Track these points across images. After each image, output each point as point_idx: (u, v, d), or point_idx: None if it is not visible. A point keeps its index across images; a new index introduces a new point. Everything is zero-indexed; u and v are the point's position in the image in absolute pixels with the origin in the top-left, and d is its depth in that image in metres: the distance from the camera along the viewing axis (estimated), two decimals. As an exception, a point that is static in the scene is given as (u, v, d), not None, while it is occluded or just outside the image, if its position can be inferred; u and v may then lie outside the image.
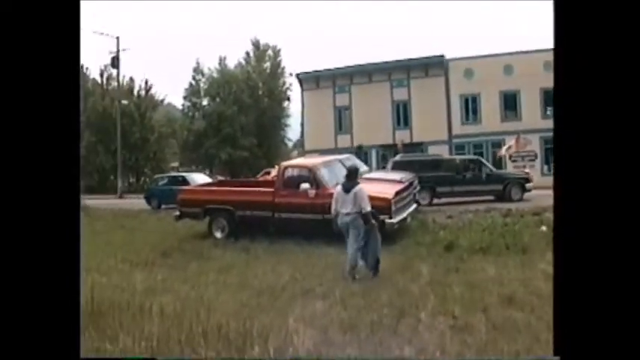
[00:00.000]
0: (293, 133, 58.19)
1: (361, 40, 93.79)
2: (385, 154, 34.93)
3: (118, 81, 45.67)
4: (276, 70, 56.21)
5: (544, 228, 11.66)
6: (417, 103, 37.52)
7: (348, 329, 5.64)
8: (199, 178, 24.98)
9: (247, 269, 9.53)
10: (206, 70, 53.69)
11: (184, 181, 23.10)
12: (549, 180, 3.30)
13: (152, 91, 53.03)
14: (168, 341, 4.90)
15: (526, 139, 26.16)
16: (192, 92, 53.35)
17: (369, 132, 36.48)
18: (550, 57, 3.18)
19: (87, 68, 49.64)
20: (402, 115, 38.27)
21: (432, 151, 32.94)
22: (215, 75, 53.22)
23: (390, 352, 4.89)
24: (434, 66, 37.42)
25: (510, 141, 26.95)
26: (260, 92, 55.00)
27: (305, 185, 12.30)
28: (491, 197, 20.12)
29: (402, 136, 36.71)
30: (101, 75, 51.15)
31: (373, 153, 36.26)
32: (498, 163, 29.14)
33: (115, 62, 42.20)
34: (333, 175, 12.43)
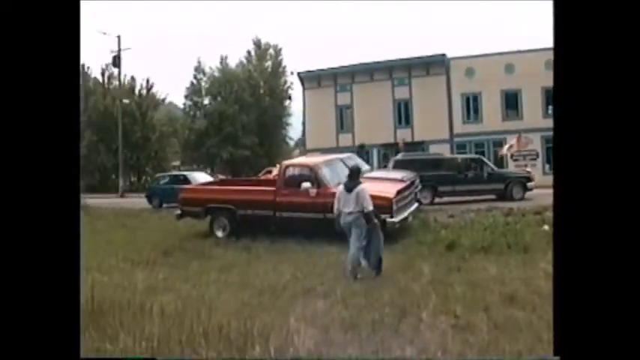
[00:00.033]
0: (294, 132, 58.34)
1: (362, 39, 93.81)
2: (386, 153, 34.88)
3: (120, 80, 45.69)
4: (278, 69, 56.23)
5: (546, 227, 11.63)
6: (418, 102, 37.48)
7: (349, 328, 5.64)
8: (200, 177, 24.95)
9: (248, 268, 9.53)
10: (207, 69, 53.78)
11: (185, 180, 23.07)
12: (551, 179, 3.29)
13: (153, 90, 53.05)
14: (168, 341, 4.89)
15: (527, 138, 26.16)
16: (194, 91, 53.35)
17: (371, 131, 36.44)
18: (551, 56, 3.16)
19: (88, 67, 49.76)
20: (403, 113, 38.24)
21: (434, 150, 32.88)
22: (216, 74, 53.21)
23: (391, 352, 4.88)
24: (435, 65, 37.38)
25: (512, 140, 26.95)
26: (261, 91, 55.04)
27: (306, 184, 12.29)
28: (492, 196, 20.11)
29: (404, 135, 36.69)
30: (102, 74, 51.25)
31: (374, 152, 36.20)
32: (500, 162, 29.13)
33: (117, 61, 42.24)
34: (334, 174, 12.42)
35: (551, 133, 3.23)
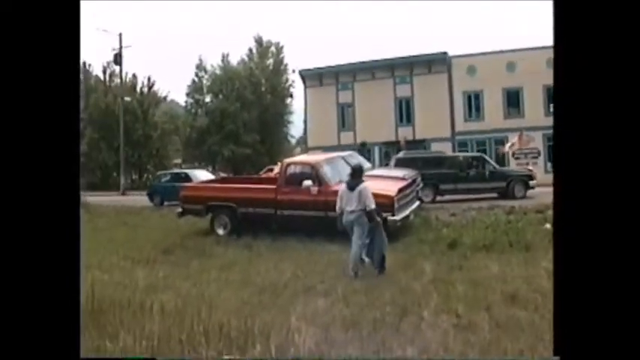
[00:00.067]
0: (296, 130, 58.26)
1: (364, 37, 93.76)
2: (388, 151, 34.89)
3: (121, 78, 45.66)
4: (279, 67, 56.18)
5: (547, 225, 11.60)
6: (419, 100, 37.45)
7: (350, 327, 5.62)
8: (202, 175, 24.96)
9: (249, 266, 9.52)
10: (209, 67, 53.81)
11: (187, 178, 23.09)
12: (552, 177, 3.28)
13: (155, 87, 53.15)
14: (169, 340, 4.87)
15: (529, 137, 26.14)
16: (195, 89, 53.35)
17: (372, 129, 36.38)
18: (553, 54, 3.15)
19: (89, 65, 49.95)
20: (404, 112, 38.21)
21: (435, 148, 32.77)
22: (218, 72, 53.23)
23: (392, 351, 4.85)
24: (437, 63, 37.32)
25: (513, 138, 26.92)
26: (263, 89, 55.01)
27: (307, 182, 12.28)
28: (494, 194, 20.08)
29: (405, 133, 36.65)
30: (104, 72, 51.36)
31: (376, 150, 36.16)
32: (501, 160, 29.07)
33: (118, 59, 42.23)
34: (335, 172, 12.42)
35: (552, 131, 3.21)
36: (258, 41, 56.08)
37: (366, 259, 8.69)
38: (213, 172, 34.67)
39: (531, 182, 20.46)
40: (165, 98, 54.48)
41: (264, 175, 25.85)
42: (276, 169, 21.97)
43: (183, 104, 55.40)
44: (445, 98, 36.93)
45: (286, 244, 11.25)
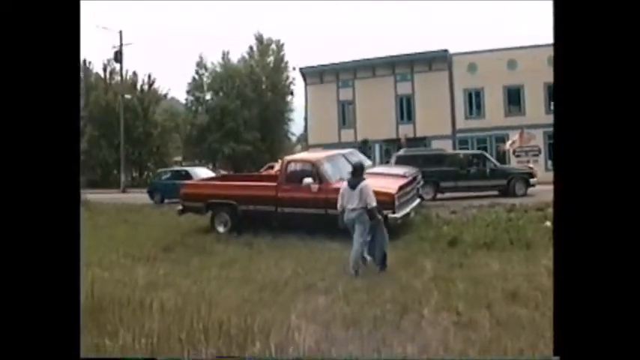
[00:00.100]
0: (296, 127, 58.22)
1: (365, 35, 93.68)
2: (389, 149, 34.85)
3: (121, 75, 45.64)
4: (280, 65, 56.05)
5: (548, 223, 11.60)
6: (420, 98, 37.38)
7: (350, 325, 5.61)
8: (202, 173, 24.94)
9: (250, 264, 9.52)
10: (209, 65, 53.67)
11: (187, 176, 23.08)
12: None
13: (155, 85, 52.91)
14: (168, 338, 4.86)
15: (530, 134, 26.18)
16: (196, 86, 53.26)
17: (373, 126, 36.34)
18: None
19: (90, 63, 49.80)
20: (405, 109, 38.14)
21: (436, 145, 32.75)
22: (218, 69, 53.12)
23: (392, 349, 4.85)
24: (437, 60, 37.25)
25: (514, 136, 26.98)
26: (263, 86, 54.91)
27: (308, 180, 12.27)
28: (495, 192, 20.06)
29: (406, 131, 36.60)
30: (104, 69, 51.15)
31: (377, 147, 36.14)
32: (502, 157, 29.06)
33: (118, 57, 42.22)
34: (336, 170, 12.42)
35: (553, 129, 3.21)
36: (259, 39, 55.97)
37: (368, 257, 8.71)
38: (213, 170, 34.59)
39: (532, 180, 20.45)
40: (165, 96, 54.41)
41: (264, 173, 25.83)
42: (277, 166, 21.99)
43: (184, 102, 55.36)
44: (446, 96, 36.87)
45: (287, 241, 11.25)
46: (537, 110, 32.94)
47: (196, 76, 53.39)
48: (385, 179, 12.68)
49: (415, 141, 34.54)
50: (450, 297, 6.67)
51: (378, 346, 4.93)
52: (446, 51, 37.04)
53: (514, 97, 35.70)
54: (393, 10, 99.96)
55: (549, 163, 29.99)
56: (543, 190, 17.29)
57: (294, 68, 52.26)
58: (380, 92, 37.57)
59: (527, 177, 20.64)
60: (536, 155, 25.19)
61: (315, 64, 40.94)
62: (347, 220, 8.70)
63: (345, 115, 39.57)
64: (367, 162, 15.05)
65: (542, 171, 23.28)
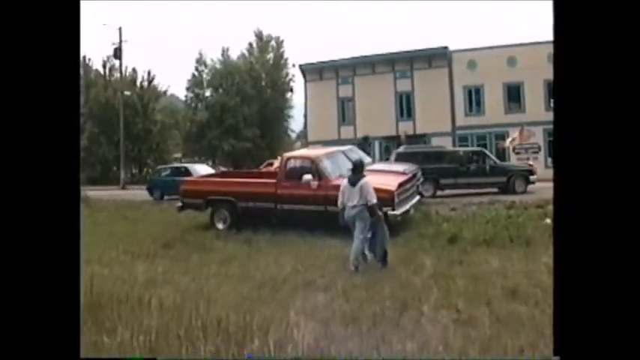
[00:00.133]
0: (296, 124, 58.22)
1: (364, 31, 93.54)
2: (388, 146, 34.85)
3: (121, 72, 45.66)
4: (279, 61, 56.03)
5: (548, 220, 11.58)
6: (420, 95, 37.38)
7: (349, 322, 5.60)
8: (202, 169, 24.91)
9: (249, 261, 9.51)
10: (209, 61, 53.64)
11: (187, 172, 23.04)
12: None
13: (155, 82, 52.94)
14: (166, 335, 4.84)
15: (530, 131, 26.13)
16: (195, 83, 53.23)
17: (373, 123, 36.32)
18: (553, 49, 3.13)
19: (89, 59, 49.78)
20: (405, 106, 38.15)
21: (436, 142, 32.77)
22: (218, 66, 53.09)
23: (391, 346, 4.83)
24: (437, 57, 37.24)
25: (514, 133, 26.91)
26: (263, 83, 54.90)
27: (307, 176, 12.27)
28: (494, 189, 20.03)
29: (406, 128, 36.62)
30: (104, 66, 51.21)
31: (376, 144, 36.13)
32: (502, 155, 29.06)
33: (118, 53, 42.17)
34: (335, 167, 12.42)
35: (552, 127, 3.20)
36: (259, 35, 55.95)
37: (369, 254, 8.71)
38: (213, 167, 34.62)
39: (532, 177, 20.44)
40: (165, 92, 54.39)
41: (264, 170, 25.83)
42: (276, 163, 21.97)
43: (183, 98, 55.31)
44: (446, 93, 36.87)
45: (286, 238, 11.24)
46: (537, 107, 32.95)
47: (196, 73, 53.42)
48: (385, 176, 12.67)
49: (415, 138, 34.57)
50: (449, 294, 6.66)
51: (378, 343, 4.92)
52: (446, 48, 37.03)
53: (514, 95, 35.70)
54: (393, 7, 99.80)
55: (549, 160, 29.97)
56: (543, 188, 17.26)
57: (293, 65, 52.42)
58: (380, 89, 37.58)
59: (526, 174, 20.63)
60: (536, 152, 25.11)
61: (314, 60, 40.93)
62: (347, 217, 8.71)
63: (345, 112, 39.57)
64: (367, 159, 15.04)
65: (542, 168, 23.25)
